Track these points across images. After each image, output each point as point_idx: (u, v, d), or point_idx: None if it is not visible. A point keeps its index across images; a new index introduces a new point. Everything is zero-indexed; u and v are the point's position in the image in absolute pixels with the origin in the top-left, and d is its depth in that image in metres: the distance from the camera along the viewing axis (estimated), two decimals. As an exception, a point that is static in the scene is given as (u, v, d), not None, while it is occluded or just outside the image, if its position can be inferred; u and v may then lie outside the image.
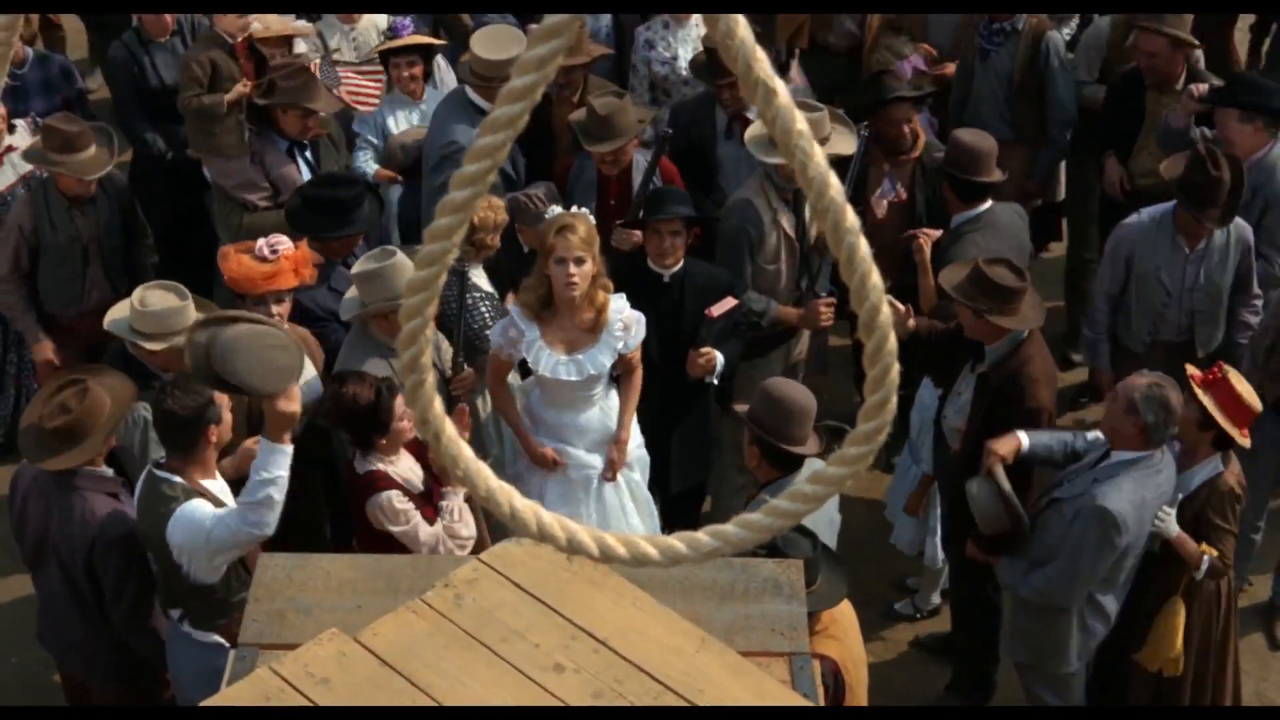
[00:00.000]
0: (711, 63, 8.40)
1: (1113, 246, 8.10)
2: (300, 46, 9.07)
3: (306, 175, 8.28)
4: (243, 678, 3.85)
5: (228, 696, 3.76)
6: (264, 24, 8.86)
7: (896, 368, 1.73)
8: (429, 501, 6.46)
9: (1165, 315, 7.99)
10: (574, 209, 7.16)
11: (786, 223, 7.81)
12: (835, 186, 1.63)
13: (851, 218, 1.63)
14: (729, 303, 7.35)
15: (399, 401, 6.36)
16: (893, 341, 1.71)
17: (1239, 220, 7.83)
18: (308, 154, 8.39)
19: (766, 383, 6.58)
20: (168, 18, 9.04)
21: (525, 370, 7.23)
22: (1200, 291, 7.90)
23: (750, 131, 7.91)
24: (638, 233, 7.66)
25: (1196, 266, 7.87)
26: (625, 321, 6.85)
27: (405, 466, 6.49)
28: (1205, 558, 6.59)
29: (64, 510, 6.27)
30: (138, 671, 6.54)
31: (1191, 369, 6.74)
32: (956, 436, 7.19)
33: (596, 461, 7.07)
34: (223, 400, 6.01)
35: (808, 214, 7.84)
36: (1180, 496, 6.63)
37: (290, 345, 5.87)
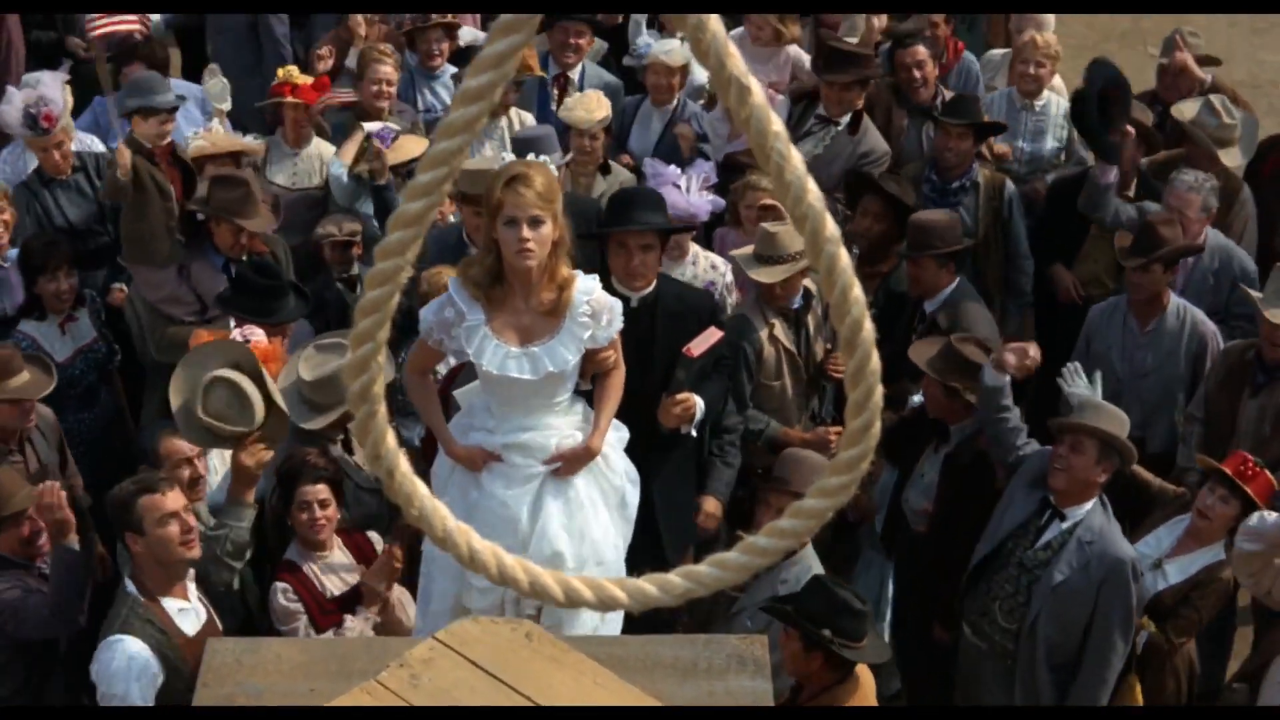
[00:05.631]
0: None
1: (1082, 331, 8.04)
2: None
3: None
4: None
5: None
6: (211, 141, 8.68)
7: (880, 390, 1.62)
8: (347, 608, 6.23)
9: (1120, 404, 7.81)
10: (531, 156, 6.11)
11: (784, 337, 7.32)
12: (814, 192, 1.52)
13: (831, 226, 1.53)
14: (712, 335, 6.31)
15: (313, 491, 6.11)
16: (876, 361, 1.60)
17: (1198, 314, 7.80)
18: None
19: (789, 454, 6.63)
20: (58, 156, 8.50)
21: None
22: (1151, 379, 7.80)
23: (738, 250, 7.53)
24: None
25: (1146, 350, 7.79)
26: (594, 305, 5.36)
27: (328, 564, 6.31)
28: (1144, 633, 6.59)
29: None
30: None
31: (1210, 461, 6.82)
32: (921, 519, 7.10)
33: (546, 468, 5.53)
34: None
35: (811, 327, 7.47)
36: (1178, 581, 6.64)
37: None
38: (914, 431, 7.24)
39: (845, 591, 5.83)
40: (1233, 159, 8.95)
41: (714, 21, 1.47)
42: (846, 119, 8.84)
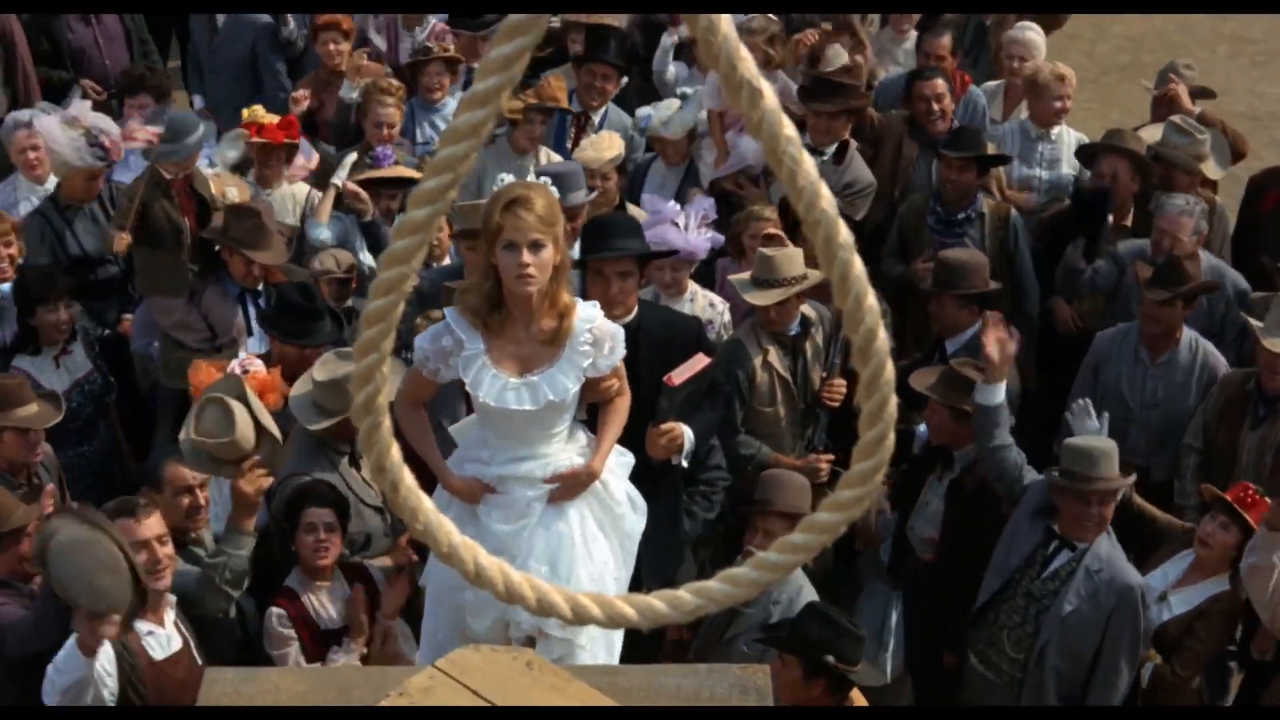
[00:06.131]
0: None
1: (1086, 358, 8.00)
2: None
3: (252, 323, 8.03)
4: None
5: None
6: (238, 187, 8.66)
7: (894, 400, 1.59)
8: (335, 640, 6.21)
9: (1128, 434, 7.74)
10: (531, 178, 5.90)
11: (779, 364, 7.25)
12: (826, 197, 1.49)
13: (845, 233, 1.50)
14: (697, 363, 6.08)
15: (318, 514, 6.13)
16: (890, 371, 1.57)
17: (1209, 346, 7.76)
18: (260, 301, 8.12)
19: (770, 475, 6.63)
20: (99, 184, 8.60)
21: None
22: (1160, 410, 7.76)
23: (736, 275, 7.49)
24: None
25: (1157, 381, 7.75)
26: (596, 334, 5.16)
27: (327, 595, 6.27)
28: (1149, 664, 6.56)
29: None
30: None
31: (1213, 490, 6.77)
32: (928, 547, 7.08)
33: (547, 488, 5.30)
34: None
35: (809, 354, 7.39)
36: (1183, 611, 6.60)
37: (122, 571, 5.33)
38: (913, 471, 7.28)
39: (842, 617, 5.89)
40: (1213, 171, 8.97)
41: (725, 23, 1.44)
42: (832, 149, 8.77)
